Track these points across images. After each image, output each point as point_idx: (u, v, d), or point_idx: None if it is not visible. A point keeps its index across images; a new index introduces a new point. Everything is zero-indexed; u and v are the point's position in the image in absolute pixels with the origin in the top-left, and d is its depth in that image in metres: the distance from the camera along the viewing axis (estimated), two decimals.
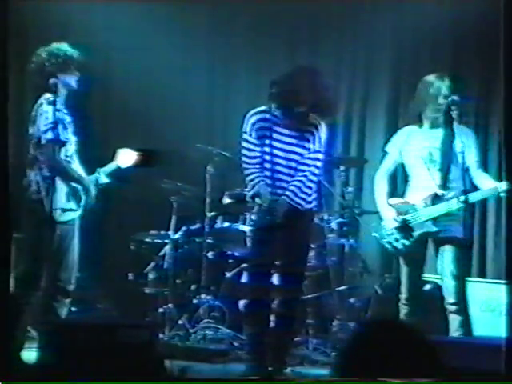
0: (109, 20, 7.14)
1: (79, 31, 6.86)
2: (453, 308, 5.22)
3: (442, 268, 5.28)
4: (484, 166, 5.70)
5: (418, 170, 5.40)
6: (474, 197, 5.25)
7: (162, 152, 5.73)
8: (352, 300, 6.30)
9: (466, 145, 5.29)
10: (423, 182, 5.36)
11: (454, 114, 5.24)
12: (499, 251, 6.62)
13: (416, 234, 5.32)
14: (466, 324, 5.23)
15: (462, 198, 5.14)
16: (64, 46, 5.25)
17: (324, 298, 6.27)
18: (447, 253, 5.25)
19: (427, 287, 5.73)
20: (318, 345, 5.95)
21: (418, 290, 5.44)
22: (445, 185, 5.28)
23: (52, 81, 5.09)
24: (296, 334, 5.76)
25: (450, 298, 5.25)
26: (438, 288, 5.58)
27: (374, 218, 6.87)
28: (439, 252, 5.30)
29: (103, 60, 7.15)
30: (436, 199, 5.28)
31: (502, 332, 4.50)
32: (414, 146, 5.41)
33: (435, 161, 5.33)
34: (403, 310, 5.37)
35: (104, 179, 5.36)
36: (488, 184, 5.27)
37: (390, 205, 5.44)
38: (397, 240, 5.37)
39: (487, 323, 5.73)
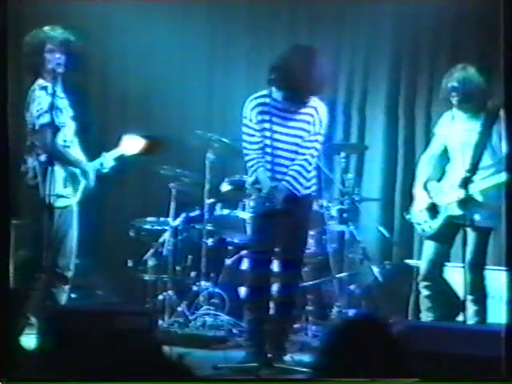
0: (108, 7, 7.11)
1: (78, 17, 6.81)
2: (470, 297, 5.21)
3: (464, 254, 5.24)
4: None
5: (456, 153, 5.41)
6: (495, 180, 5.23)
7: (166, 139, 5.72)
8: (352, 287, 6.30)
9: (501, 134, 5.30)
10: (459, 166, 5.35)
11: (455, 100, 5.25)
12: (499, 238, 6.61)
13: (441, 216, 5.38)
14: (482, 313, 5.26)
15: (488, 183, 5.17)
16: (59, 30, 5.20)
17: (324, 284, 6.26)
18: (470, 238, 5.27)
19: (448, 273, 5.69)
20: (317, 331, 5.95)
21: (439, 274, 5.46)
22: (474, 170, 5.26)
23: (47, 66, 5.06)
24: (295, 321, 5.76)
25: (467, 286, 5.23)
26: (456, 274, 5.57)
27: (374, 204, 6.93)
28: (463, 237, 5.25)
29: (102, 47, 7.12)
30: (464, 183, 5.27)
31: (501, 319, 4.49)
32: (457, 130, 5.39)
33: (471, 145, 5.32)
34: (422, 293, 5.44)
35: (110, 163, 5.33)
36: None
37: (426, 188, 5.50)
38: (425, 222, 5.46)
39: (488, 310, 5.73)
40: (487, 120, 5.31)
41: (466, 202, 5.25)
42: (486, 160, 5.30)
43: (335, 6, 7.17)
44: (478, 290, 5.29)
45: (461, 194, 5.26)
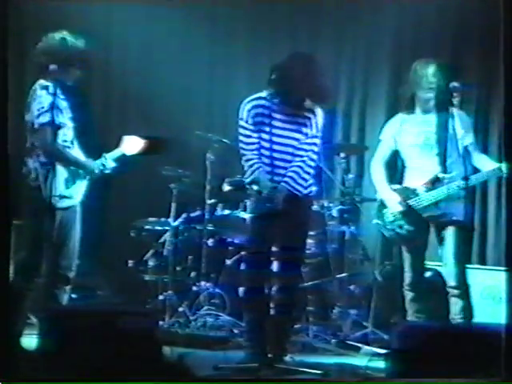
0: (109, 8, 7.12)
1: (80, 19, 6.82)
2: (454, 292, 5.23)
3: (444, 252, 5.28)
4: (484, 148, 5.70)
5: (414, 155, 5.40)
6: (475, 178, 5.26)
7: (167, 139, 5.72)
8: (352, 287, 6.30)
9: (463, 127, 5.31)
10: (421, 167, 5.36)
11: (456, 100, 5.23)
12: (499, 237, 6.63)
13: (419, 218, 5.32)
14: (468, 308, 5.23)
15: (463, 180, 5.14)
16: (65, 36, 5.21)
17: (324, 285, 6.27)
18: (449, 236, 5.26)
19: (429, 274, 5.71)
20: (318, 332, 5.96)
21: (421, 275, 5.44)
22: (444, 168, 5.26)
23: (52, 67, 5.07)
24: (296, 321, 5.77)
25: (451, 281, 5.26)
26: (438, 274, 5.58)
27: (374, 205, 6.92)
28: (441, 236, 5.30)
29: (104, 48, 7.13)
30: (437, 183, 5.28)
31: (501, 319, 4.50)
32: (409, 132, 5.41)
33: (432, 145, 5.32)
34: (407, 296, 5.37)
35: (111, 164, 5.34)
36: (489, 165, 5.28)
37: (394, 189, 5.43)
38: (400, 227, 5.37)
39: (488, 310, 5.74)
40: (441, 119, 5.26)
41: (445, 201, 5.24)
42: (451, 157, 5.26)
43: (335, 7, 7.19)
44: (463, 284, 5.27)
45: (441, 193, 5.24)
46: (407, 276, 5.38)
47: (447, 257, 5.28)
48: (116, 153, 5.38)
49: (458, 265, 5.25)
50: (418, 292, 5.35)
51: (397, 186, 5.45)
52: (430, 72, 5.30)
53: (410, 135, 5.40)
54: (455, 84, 5.23)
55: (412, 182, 5.39)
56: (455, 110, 5.25)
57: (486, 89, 6.83)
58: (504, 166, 5.12)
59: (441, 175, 5.26)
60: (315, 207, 6.01)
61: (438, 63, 5.33)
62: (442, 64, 5.34)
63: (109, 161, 5.33)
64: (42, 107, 5.06)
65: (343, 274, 6.25)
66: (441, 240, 5.30)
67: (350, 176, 6.56)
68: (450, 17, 6.90)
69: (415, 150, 5.38)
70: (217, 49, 7.44)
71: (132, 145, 5.41)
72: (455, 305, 5.23)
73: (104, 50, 7.16)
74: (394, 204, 5.40)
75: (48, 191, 4.95)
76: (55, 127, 5.08)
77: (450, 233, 5.26)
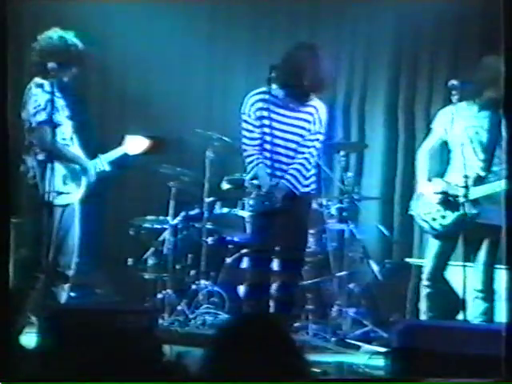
0: (108, 7, 7.11)
1: (78, 18, 6.80)
2: (480, 295, 5.19)
3: (474, 252, 5.22)
4: None
5: (462, 149, 5.14)
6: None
7: (170, 139, 5.72)
8: (352, 285, 6.30)
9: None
10: (467, 162, 5.12)
11: (454, 98, 5.16)
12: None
13: (455, 214, 5.22)
14: (490, 311, 5.20)
15: (505, 181, 4.96)
16: (63, 34, 5.20)
17: (324, 283, 6.27)
18: (481, 238, 5.21)
19: (452, 272, 5.61)
20: (317, 330, 5.95)
21: (442, 273, 5.37)
22: (488, 167, 5.19)
23: (50, 66, 5.06)
24: (296, 320, 5.76)
25: (477, 284, 5.19)
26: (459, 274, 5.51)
27: (373, 203, 6.93)
28: (473, 236, 5.18)
29: (102, 45, 7.12)
30: (478, 180, 5.21)
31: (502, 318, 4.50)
32: (461, 125, 5.23)
33: (481, 141, 5.23)
34: (424, 292, 5.32)
35: (103, 166, 5.33)
36: None
37: (433, 182, 5.31)
38: (434, 219, 5.28)
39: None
40: (494, 117, 5.19)
41: (482, 200, 5.14)
42: (498, 158, 5.17)
43: (335, 4, 7.18)
44: (489, 288, 5.23)
45: (481, 191, 5.16)
46: (427, 271, 5.31)
47: (477, 259, 5.22)
48: (117, 153, 5.38)
49: (486, 267, 5.20)
50: (435, 289, 5.30)
51: (438, 179, 5.33)
52: (497, 69, 5.18)
53: (462, 127, 5.23)
54: (454, 82, 5.20)
55: (456, 175, 5.22)
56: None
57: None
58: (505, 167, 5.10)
59: (483, 174, 5.21)
60: (314, 205, 6.01)
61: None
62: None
63: (103, 163, 5.33)
64: (39, 105, 5.05)
65: (342, 273, 6.24)
66: (472, 241, 5.19)
67: (350, 174, 6.56)
68: (450, 16, 6.88)
69: (464, 144, 5.16)
70: (216, 46, 7.43)
71: (135, 145, 5.43)
72: (478, 307, 5.18)
73: (103, 48, 7.14)
74: (431, 195, 5.27)
75: (46, 188, 4.94)
76: (52, 125, 5.08)
77: (483, 234, 5.18)
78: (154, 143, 5.45)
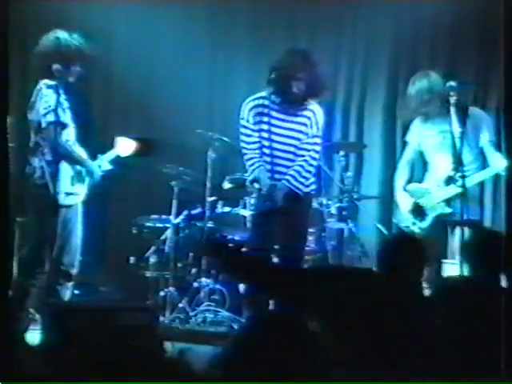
0: (109, 8, 7.16)
1: (80, 19, 6.85)
2: None
3: (456, 249, 5.33)
4: (498, 146, 5.74)
5: (434, 155, 5.52)
6: (482, 176, 5.35)
7: (159, 140, 5.76)
8: None
9: (479, 126, 5.39)
10: (439, 167, 5.46)
11: (453, 99, 5.28)
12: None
13: (430, 216, 5.44)
14: None
15: (472, 178, 5.25)
16: (66, 35, 5.25)
17: None
18: (460, 234, 5.30)
19: (444, 271, 5.70)
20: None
21: (434, 273, 5.47)
22: (458, 167, 5.31)
23: (54, 67, 5.12)
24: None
25: None
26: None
27: (372, 202, 6.97)
28: (453, 234, 5.38)
29: (104, 46, 7.16)
30: (449, 181, 5.36)
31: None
32: (429, 133, 5.55)
33: (448, 144, 5.39)
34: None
35: (106, 166, 5.40)
36: (500, 163, 5.34)
37: (406, 190, 5.58)
38: (414, 224, 5.51)
39: None
40: (458, 119, 5.33)
41: (456, 199, 5.31)
42: (467, 156, 5.35)
43: (335, 6, 7.21)
44: None
45: (451, 191, 5.33)
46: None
47: (459, 255, 5.32)
48: (110, 155, 5.44)
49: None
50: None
51: (411, 187, 5.61)
52: (425, 85, 5.40)
53: (430, 136, 5.54)
54: (452, 83, 5.28)
55: (431, 181, 5.55)
56: (471, 109, 5.35)
57: (484, 88, 6.85)
58: (504, 165, 5.20)
59: (453, 174, 5.34)
60: (314, 205, 6.06)
61: (428, 73, 5.44)
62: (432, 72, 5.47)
63: (104, 162, 5.39)
64: (49, 106, 5.09)
65: None
66: (453, 238, 5.38)
67: (349, 174, 6.60)
68: (449, 18, 6.92)
69: (435, 150, 5.51)
70: (217, 47, 7.47)
71: (124, 146, 5.47)
72: None
73: (105, 48, 7.18)
74: (404, 203, 5.56)
75: (55, 188, 4.99)
76: (62, 126, 5.15)
77: (459, 232, 5.28)
78: (141, 145, 5.49)
